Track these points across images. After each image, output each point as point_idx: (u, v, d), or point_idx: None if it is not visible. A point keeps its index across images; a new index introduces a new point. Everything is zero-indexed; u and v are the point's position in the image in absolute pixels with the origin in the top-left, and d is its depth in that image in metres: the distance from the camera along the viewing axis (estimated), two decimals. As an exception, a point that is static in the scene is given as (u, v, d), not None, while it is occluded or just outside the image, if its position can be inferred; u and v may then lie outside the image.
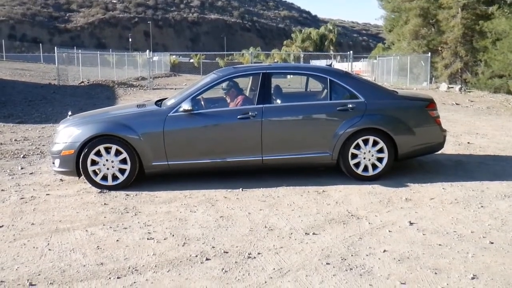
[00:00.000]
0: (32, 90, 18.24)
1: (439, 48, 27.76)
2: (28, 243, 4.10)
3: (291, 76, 8.93)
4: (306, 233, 4.29)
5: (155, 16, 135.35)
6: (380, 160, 5.93)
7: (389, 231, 4.33)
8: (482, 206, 5.01)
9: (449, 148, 7.86)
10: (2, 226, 4.52)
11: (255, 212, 4.88)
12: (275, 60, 52.44)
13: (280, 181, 5.93)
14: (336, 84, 6.09)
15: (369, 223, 4.55)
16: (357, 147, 5.89)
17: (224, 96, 6.31)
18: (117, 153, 5.63)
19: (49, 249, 3.97)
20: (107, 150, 5.63)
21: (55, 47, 23.23)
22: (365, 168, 5.94)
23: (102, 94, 18.80)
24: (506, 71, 21.10)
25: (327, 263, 3.66)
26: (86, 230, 4.40)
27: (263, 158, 5.83)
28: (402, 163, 6.38)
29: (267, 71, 6.09)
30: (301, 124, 5.98)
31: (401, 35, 29.92)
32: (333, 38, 68.88)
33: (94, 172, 5.64)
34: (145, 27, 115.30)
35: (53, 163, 5.84)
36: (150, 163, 5.70)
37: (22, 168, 6.80)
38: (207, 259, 3.75)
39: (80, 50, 30.21)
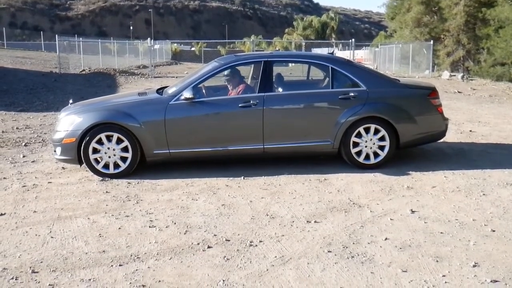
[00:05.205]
0: (33, 78, 18.20)
1: (442, 36, 27.59)
2: (30, 231, 4.11)
3: (293, 64, 8.90)
4: (307, 221, 4.29)
5: (156, 3, 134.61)
6: (381, 148, 5.92)
7: (391, 219, 4.34)
8: (484, 194, 5.01)
9: (451, 136, 7.85)
10: (5, 213, 4.54)
11: (257, 200, 4.89)
12: (277, 48, 52.18)
13: (281, 169, 5.93)
14: (337, 72, 6.06)
15: (370, 211, 4.55)
16: (359, 135, 5.88)
17: (226, 84, 6.29)
18: (119, 141, 5.63)
19: (51, 237, 3.98)
20: (109, 138, 5.62)
21: (56, 35, 23.05)
22: (367, 157, 5.93)
23: (103, 82, 18.76)
24: (508, 59, 20.96)
25: (328, 251, 3.67)
26: (88, 218, 4.41)
27: (265, 146, 5.83)
28: (403, 151, 6.37)
29: (269, 59, 6.06)
30: (303, 112, 5.97)
31: (404, 22, 29.72)
32: (335, 26, 68.36)
33: (96, 160, 5.65)
34: (146, 15, 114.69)
35: (55, 151, 5.84)
36: (152, 151, 5.70)
37: (24, 156, 6.80)
38: (209, 247, 3.76)
39: (81, 38, 30.03)
